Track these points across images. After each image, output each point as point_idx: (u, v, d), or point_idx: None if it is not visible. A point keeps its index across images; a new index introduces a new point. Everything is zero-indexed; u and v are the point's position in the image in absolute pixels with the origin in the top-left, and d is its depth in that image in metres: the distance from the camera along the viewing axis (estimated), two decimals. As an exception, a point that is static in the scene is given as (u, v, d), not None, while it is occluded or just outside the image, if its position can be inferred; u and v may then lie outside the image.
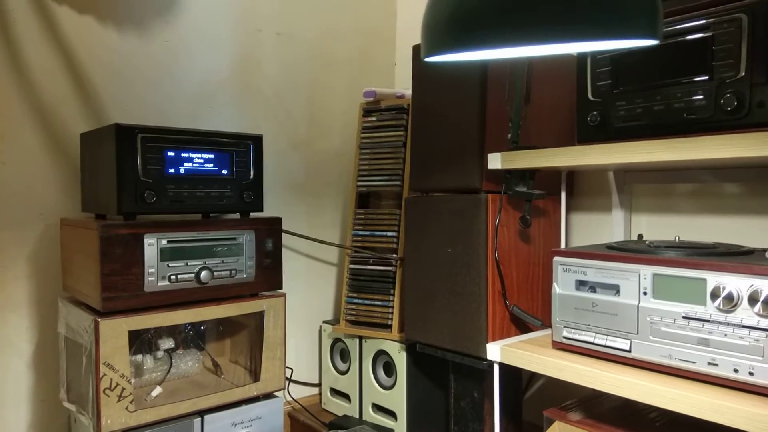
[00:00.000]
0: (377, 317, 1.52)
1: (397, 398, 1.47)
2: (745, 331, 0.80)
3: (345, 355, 1.64)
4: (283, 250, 1.73)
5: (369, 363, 1.55)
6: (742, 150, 0.79)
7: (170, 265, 1.13)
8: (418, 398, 1.47)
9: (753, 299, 0.79)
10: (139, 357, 1.27)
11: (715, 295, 0.83)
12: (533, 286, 1.28)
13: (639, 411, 1.06)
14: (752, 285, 0.79)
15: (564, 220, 1.35)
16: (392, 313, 1.49)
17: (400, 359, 1.46)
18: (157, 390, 1.21)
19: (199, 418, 1.18)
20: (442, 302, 1.27)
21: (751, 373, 0.79)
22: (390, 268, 1.51)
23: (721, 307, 0.82)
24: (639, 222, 1.31)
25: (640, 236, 1.20)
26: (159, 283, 1.12)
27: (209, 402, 1.19)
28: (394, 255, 1.51)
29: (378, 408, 1.53)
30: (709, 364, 0.83)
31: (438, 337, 1.29)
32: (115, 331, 1.07)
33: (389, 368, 1.52)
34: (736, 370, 0.81)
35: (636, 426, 0.97)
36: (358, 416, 1.58)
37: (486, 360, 1.17)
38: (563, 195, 1.34)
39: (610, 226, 1.34)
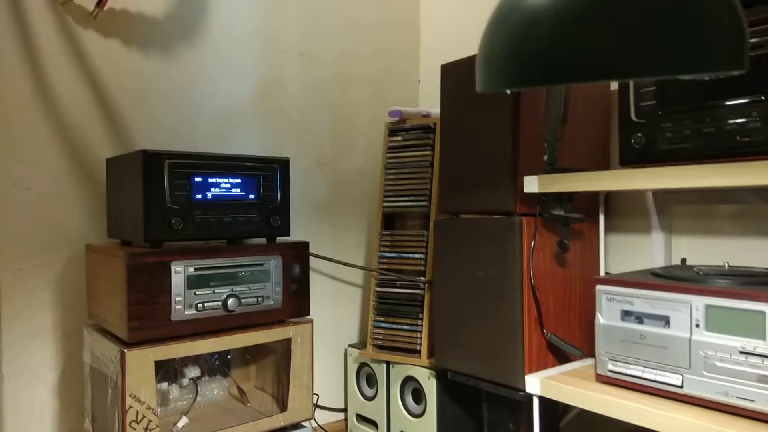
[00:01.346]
0: (405, 342, 1.48)
1: (427, 427, 1.42)
2: (812, 369, 0.75)
3: (372, 381, 1.60)
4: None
5: (397, 389, 1.50)
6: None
7: (197, 293, 1.10)
8: (448, 427, 1.42)
9: (820, 335, 0.74)
10: (165, 385, 1.25)
11: (776, 329, 0.78)
12: (570, 313, 1.23)
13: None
14: (818, 319, 0.74)
15: (603, 244, 1.30)
16: (421, 337, 1.45)
17: (430, 386, 1.41)
18: (183, 420, 1.18)
19: (226, 451, 1.14)
20: (474, 329, 1.23)
21: (820, 416, 0.74)
22: (418, 291, 1.47)
23: (784, 342, 0.77)
24: (680, 244, 1.25)
25: (684, 260, 1.15)
26: (186, 312, 1.09)
27: (236, 433, 1.16)
28: (422, 278, 1.47)
29: (407, 436, 1.48)
30: (771, 403, 0.78)
31: (471, 366, 1.24)
32: (142, 361, 1.04)
33: (418, 395, 1.47)
34: (802, 412, 0.75)
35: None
36: (386, 444, 1.53)
37: (523, 392, 1.12)
38: (601, 218, 1.29)
39: (649, 248, 1.29)
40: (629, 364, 0.93)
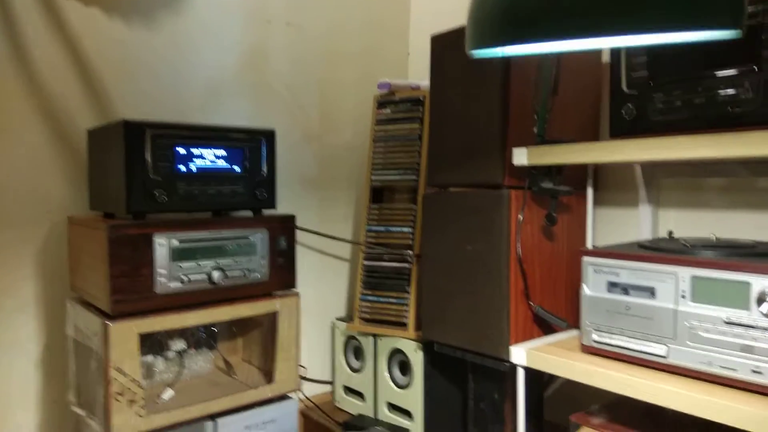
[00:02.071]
0: (392, 315, 1.48)
1: (414, 398, 1.43)
2: (794, 339, 0.75)
3: (359, 353, 1.60)
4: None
5: (384, 361, 1.51)
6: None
7: (181, 265, 1.09)
8: (434, 398, 1.43)
9: (804, 305, 0.74)
10: (150, 358, 1.24)
11: (761, 300, 0.78)
12: (557, 285, 1.23)
13: (665, 415, 1.02)
14: (802, 290, 0.75)
15: (590, 217, 1.30)
16: (408, 311, 1.45)
17: (417, 358, 1.41)
18: (169, 392, 1.17)
19: (212, 422, 1.14)
20: (461, 301, 1.23)
21: (801, 384, 0.75)
22: (406, 264, 1.47)
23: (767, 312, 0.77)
24: (667, 217, 1.26)
25: (671, 233, 1.15)
26: (170, 285, 1.08)
27: (222, 405, 1.16)
28: (409, 251, 1.46)
29: (393, 407, 1.49)
30: (753, 372, 0.79)
31: (457, 337, 1.24)
32: (126, 335, 1.03)
33: (405, 367, 1.48)
34: (784, 380, 0.76)
35: (662, 427, 0.93)
36: (373, 415, 1.54)
37: (509, 362, 1.13)
38: (590, 190, 1.28)
39: (636, 221, 1.29)
40: (614, 334, 0.94)
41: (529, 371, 1.11)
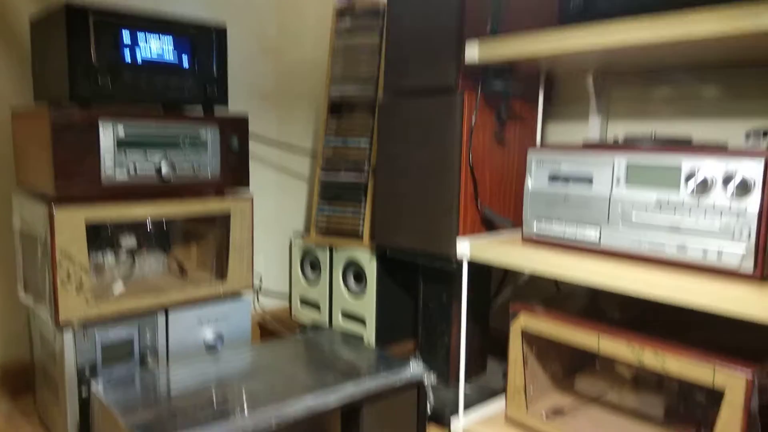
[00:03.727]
0: (348, 226, 1.50)
1: (367, 305, 1.47)
2: (717, 215, 0.79)
3: (315, 266, 1.63)
4: (253, 162, 1.68)
5: (339, 272, 1.53)
6: (724, 23, 0.76)
7: (128, 155, 1.07)
8: (387, 305, 1.47)
9: (727, 181, 0.78)
10: (100, 256, 1.23)
11: (689, 179, 0.81)
12: (506, 191, 1.26)
13: (601, 310, 1.07)
14: (727, 167, 0.78)
15: (540, 126, 1.32)
16: (363, 221, 1.47)
17: (371, 267, 1.44)
18: (119, 286, 1.18)
19: (164, 314, 1.16)
20: (413, 206, 1.25)
21: (719, 254, 0.79)
22: (362, 177, 1.48)
23: (695, 191, 0.81)
24: (616, 129, 1.29)
25: (616, 140, 1.18)
26: (117, 176, 1.06)
27: (173, 297, 1.17)
28: (365, 163, 1.47)
29: (347, 316, 1.53)
30: (679, 248, 0.83)
31: (408, 240, 1.27)
32: (72, 221, 1.02)
33: (359, 277, 1.51)
34: (704, 253, 0.80)
35: (597, 318, 0.98)
36: (327, 324, 1.58)
37: (455, 260, 1.16)
38: (541, 97, 1.30)
39: (586, 133, 1.32)
40: (552, 222, 0.97)
41: (474, 271, 1.15)
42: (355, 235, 1.49)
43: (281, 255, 1.79)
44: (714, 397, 0.99)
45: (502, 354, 1.36)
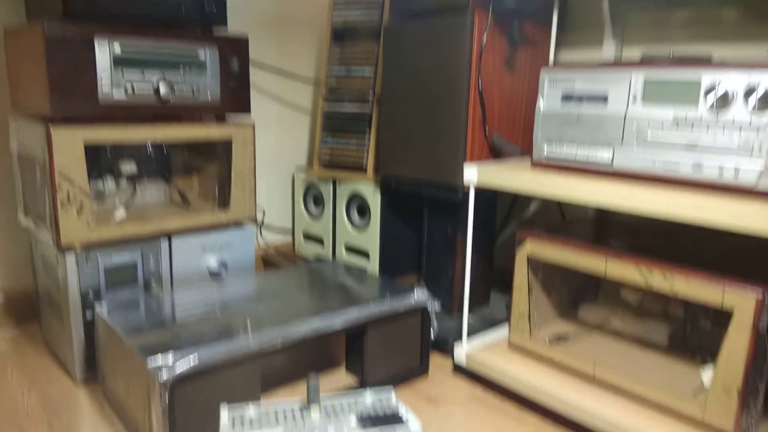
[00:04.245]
0: (352, 158, 1.47)
1: (371, 239, 1.46)
2: (736, 131, 0.76)
3: (318, 201, 1.61)
4: (253, 92, 1.64)
5: (343, 206, 1.52)
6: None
7: (125, 74, 1.03)
8: (391, 238, 1.46)
9: (749, 94, 0.75)
10: (101, 183, 1.21)
11: (708, 93, 0.78)
12: (515, 120, 1.23)
13: (607, 239, 1.05)
14: (749, 79, 0.75)
15: (552, 51, 1.27)
16: (367, 154, 1.44)
17: (375, 200, 1.43)
18: (121, 213, 1.16)
19: (167, 241, 1.15)
20: (419, 136, 1.22)
21: (736, 171, 0.77)
22: (366, 107, 1.44)
23: (714, 106, 0.78)
24: (632, 56, 1.24)
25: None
26: (115, 95, 1.03)
27: (176, 224, 1.15)
28: (370, 92, 1.43)
29: (351, 249, 1.52)
30: (694, 167, 0.81)
31: (413, 171, 1.25)
32: (70, 141, 1.00)
33: (363, 210, 1.49)
34: (721, 171, 0.78)
35: (604, 242, 0.97)
36: (331, 258, 1.58)
37: (462, 189, 1.14)
38: (555, 19, 1.25)
39: (600, 60, 1.27)
40: (564, 144, 0.94)
41: (479, 201, 1.12)
42: (359, 167, 1.47)
43: (284, 190, 1.77)
44: (719, 323, 0.99)
45: (506, 289, 1.37)
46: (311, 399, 0.65)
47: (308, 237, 1.65)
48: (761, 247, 1.01)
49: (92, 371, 1.08)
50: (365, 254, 1.48)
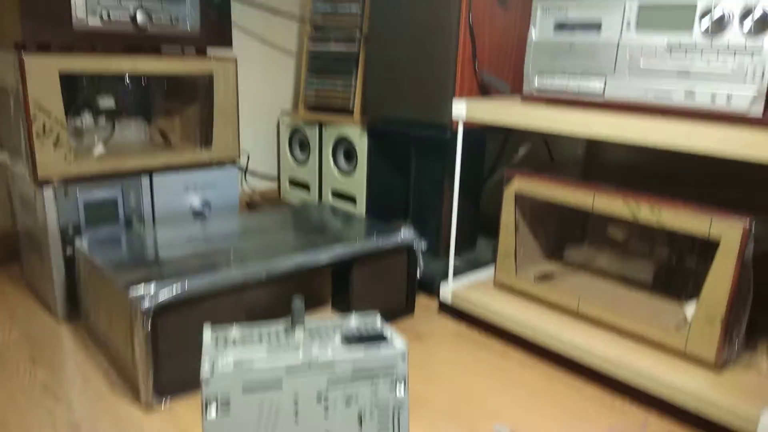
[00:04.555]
0: (338, 101, 1.44)
1: (357, 183, 1.44)
2: (730, 55, 0.75)
3: (304, 146, 1.58)
4: (236, 33, 1.59)
5: (329, 151, 1.49)
6: None
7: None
8: (378, 183, 1.44)
9: (744, 16, 0.73)
10: (79, 120, 1.18)
11: (704, 17, 0.76)
12: (505, 59, 1.20)
13: (595, 176, 1.05)
14: (746, 1, 0.73)
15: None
16: (354, 96, 1.41)
17: (362, 144, 1.40)
18: (100, 149, 1.13)
19: (148, 178, 1.12)
20: (407, 74, 1.19)
21: (729, 98, 0.75)
22: (353, 46, 1.40)
23: (710, 30, 0.76)
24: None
25: None
26: (90, 21, 0.99)
27: (157, 161, 1.12)
28: (357, 30, 1.39)
29: (338, 195, 1.50)
30: (686, 94, 0.79)
31: (401, 111, 1.22)
32: (44, 69, 0.96)
33: (349, 155, 1.47)
34: (713, 98, 0.77)
35: (590, 178, 0.96)
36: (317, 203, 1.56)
37: (450, 127, 1.12)
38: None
39: None
40: (555, 75, 0.92)
41: (468, 145, 1.10)
42: (345, 110, 1.43)
43: (269, 136, 1.74)
44: (703, 261, 0.99)
45: (494, 236, 1.36)
46: (296, 320, 0.65)
47: (294, 183, 1.63)
48: (748, 183, 1.00)
49: (75, 309, 1.06)
50: (352, 200, 1.46)
